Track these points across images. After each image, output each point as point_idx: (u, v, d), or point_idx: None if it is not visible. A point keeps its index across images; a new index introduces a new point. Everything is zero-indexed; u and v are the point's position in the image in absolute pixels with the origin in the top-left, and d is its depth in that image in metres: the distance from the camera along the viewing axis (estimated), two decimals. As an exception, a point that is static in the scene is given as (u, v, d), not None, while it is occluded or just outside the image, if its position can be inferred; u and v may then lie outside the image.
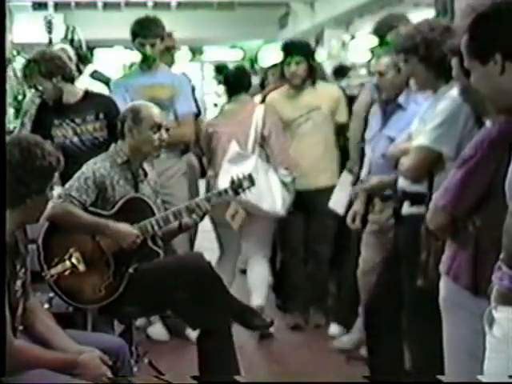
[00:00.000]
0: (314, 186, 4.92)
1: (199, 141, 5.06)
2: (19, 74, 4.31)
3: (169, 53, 5.26)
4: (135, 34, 4.71)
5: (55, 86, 4.21)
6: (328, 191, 4.75)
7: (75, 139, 4.26)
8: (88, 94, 4.37)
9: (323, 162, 4.95)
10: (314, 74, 4.99)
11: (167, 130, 3.77)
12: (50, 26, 6.47)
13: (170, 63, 5.29)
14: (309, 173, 4.93)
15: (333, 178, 4.87)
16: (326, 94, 5.01)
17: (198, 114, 5.11)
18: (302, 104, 4.96)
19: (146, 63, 4.74)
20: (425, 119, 3.24)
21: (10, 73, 6.36)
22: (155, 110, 3.76)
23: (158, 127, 3.68)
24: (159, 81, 4.73)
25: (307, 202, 4.97)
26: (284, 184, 4.73)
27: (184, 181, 4.84)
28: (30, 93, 5.26)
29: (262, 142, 4.79)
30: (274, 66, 6.58)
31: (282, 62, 5.01)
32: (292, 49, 5.05)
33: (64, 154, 4.09)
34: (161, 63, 4.84)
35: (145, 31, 4.66)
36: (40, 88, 4.22)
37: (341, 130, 4.92)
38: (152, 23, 4.72)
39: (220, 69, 8.73)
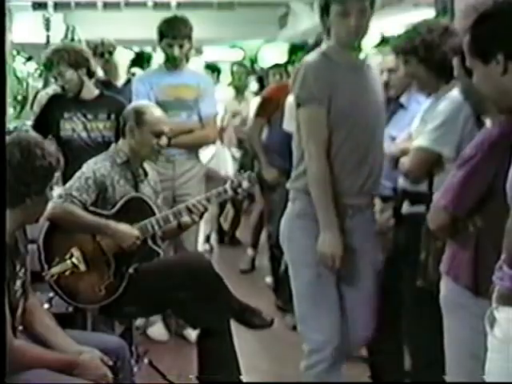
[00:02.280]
0: None
1: None
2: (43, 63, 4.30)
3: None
4: (163, 34, 4.62)
5: (79, 78, 4.25)
6: None
7: (84, 134, 4.28)
8: (103, 95, 4.42)
9: None
10: None
11: (169, 138, 3.77)
12: (48, 24, 6.47)
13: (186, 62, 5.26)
14: None
15: None
16: None
17: None
18: None
19: (173, 63, 4.67)
20: (425, 119, 3.24)
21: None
22: (160, 116, 3.74)
23: (160, 133, 3.68)
24: (184, 81, 4.67)
25: None
26: (234, 158, 6.52)
27: (203, 183, 4.81)
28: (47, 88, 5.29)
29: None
30: (276, 66, 6.58)
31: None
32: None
33: (69, 147, 4.15)
34: (186, 63, 4.78)
35: (174, 32, 4.59)
36: (65, 77, 4.24)
37: None
38: (181, 23, 4.64)
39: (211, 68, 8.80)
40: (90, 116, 4.29)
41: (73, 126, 4.28)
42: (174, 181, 4.56)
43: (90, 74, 4.32)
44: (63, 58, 4.21)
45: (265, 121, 5.53)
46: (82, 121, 4.28)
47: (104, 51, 5.46)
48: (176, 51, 4.60)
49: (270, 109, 5.37)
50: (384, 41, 3.30)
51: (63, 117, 4.29)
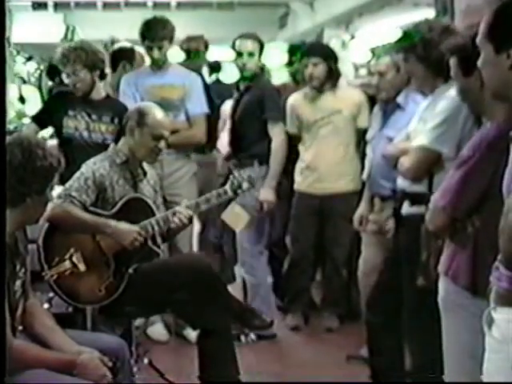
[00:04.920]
0: (333, 190, 4.90)
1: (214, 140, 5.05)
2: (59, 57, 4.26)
3: (189, 54, 5.26)
4: (143, 36, 4.63)
5: (92, 79, 4.23)
6: (347, 196, 4.75)
7: (85, 134, 4.26)
8: (109, 97, 4.40)
9: (343, 166, 4.90)
10: (334, 76, 4.91)
11: (166, 138, 3.76)
12: None
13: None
14: (327, 177, 4.91)
15: (352, 182, 4.85)
16: (347, 97, 4.93)
17: (211, 113, 4.94)
18: (322, 106, 4.91)
19: (156, 64, 4.68)
20: (424, 119, 3.24)
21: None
22: (162, 119, 3.72)
23: (160, 137, 3.67)
24: (170, 81, 4.67)
25: (325, 206, 4.95)
26: None
27: (194, 182, 4.79)
28: None
29: None
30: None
31: (303, 64, 4.93)
32: (311, 51, 5.01)
33: (69, 145, 4.14)
34: (173, 63, 4.77)
35: (152, 34, 4.58)
36: (79, 76, 4.20)
37: (362, 135, 4.75)
38: (159, 25, 4.62)
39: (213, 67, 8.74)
40: (94, 116, 4.27)
41: (76, 124, 4.27)
42: (162, 180, 4.56)
43: (103, 75, 4.30)
44: (80, 58, 4.16)
45: None
46: (85, 120, 4.27)
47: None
48: (155, 53, 4.61)
49: None
50: (406, 35, 3.30)
51: (67, 114, 4.27)
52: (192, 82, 4.77)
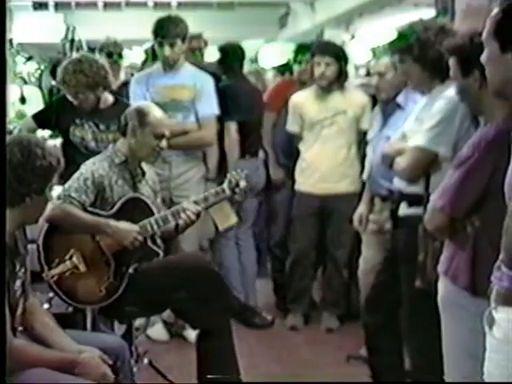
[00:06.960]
0: (334, 190, 4.90)
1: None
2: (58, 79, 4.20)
3: (193, 53, 5.23)
4: (155, 33, 4.60)
5: (96, 95, 4.19)
6: (348, 197, 4.74)
7: (92, 144, 4.24)
8: (117, 102, 4.32)
9: (344, 167, 4.91)
10: (342, 78, 4.92)
11: (168, 139, 3.75)
12: None
13: (200, 62, 5.20)
14: (329, 177, 4.92)
15: (353, 184, 4.85)
16: (353, 99, 4.94)
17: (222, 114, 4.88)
18: (328, 106, 4.91)
19: (166, 63, 4.65)
20: (420, 119, 3.24)
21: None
22: (163, 118, 3.71)
23: (161, 135, 3.67)
24: (180, 82, 4.64)
25: (326, 206, 4.95)
26: None
27: (202, 184, 4.76)
28: None
29: None
30: (281, 66, 6.57)
31: (314, 62, 4.91)
32: (325, 50, 4.99)
33: (76, 153, 4.11)
34: (184, 62, 4.73)
35: (163, 31, 4.55)
36: (82, 98, 4.17)
37: (363, 137, 4.75)
38: (172, 23, 4.58)
39: None
40: (102, 127, 4.23)
41: (83, 134, 4.24)
42: (170, 182, 4.55)
43: (107, 87, 4.23)
44: (81, 82, 4.11)
45: (274, 115, 5.46)
46: (92, 130, 4.24)
47: (114, 52, 5.43)
48: (166, 51, 4.57)
49: (278, 103, 5.35)
50: (402, 36, 3.32)
51: (74, 122, 4.24)
52: (203, 82, 4.73)
